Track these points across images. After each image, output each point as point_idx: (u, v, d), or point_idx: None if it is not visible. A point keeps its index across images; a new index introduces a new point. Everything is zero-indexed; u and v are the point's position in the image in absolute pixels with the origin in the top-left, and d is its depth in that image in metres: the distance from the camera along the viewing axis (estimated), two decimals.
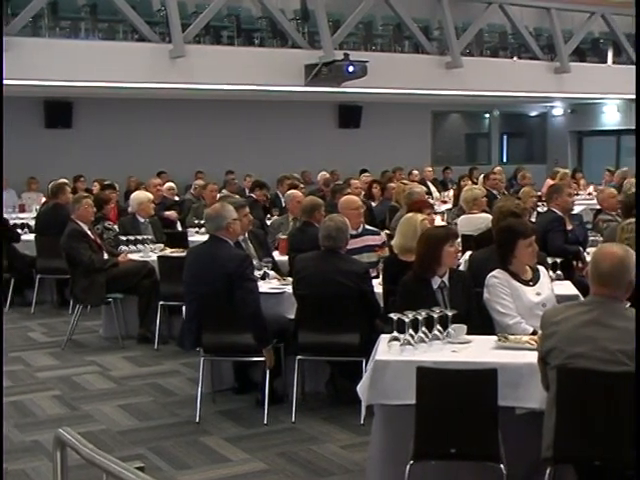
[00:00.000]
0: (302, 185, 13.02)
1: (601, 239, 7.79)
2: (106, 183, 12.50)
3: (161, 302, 8.14)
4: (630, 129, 21.42)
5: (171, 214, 11.35)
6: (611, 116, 22.06)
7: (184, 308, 6.36)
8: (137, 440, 5.75)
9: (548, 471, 3.98)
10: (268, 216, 11.47)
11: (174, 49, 13.83)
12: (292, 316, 6.30)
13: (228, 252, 6.11)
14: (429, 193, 13.55)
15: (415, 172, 15.98)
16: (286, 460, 5.39)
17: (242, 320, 5.92)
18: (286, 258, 7.82)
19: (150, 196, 9.83)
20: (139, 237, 9.05)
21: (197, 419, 6.04)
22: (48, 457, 5.16)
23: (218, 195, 11.16)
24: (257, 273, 6.73)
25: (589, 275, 4.10)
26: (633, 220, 5.77)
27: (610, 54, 19.23)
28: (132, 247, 8.92)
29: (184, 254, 7.21)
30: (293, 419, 6.03)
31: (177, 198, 12.98)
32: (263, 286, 6.65)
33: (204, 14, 14.49)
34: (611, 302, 3.96)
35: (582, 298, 5.52)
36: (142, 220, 9.41)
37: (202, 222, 8.95)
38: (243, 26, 15.98)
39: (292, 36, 15.34)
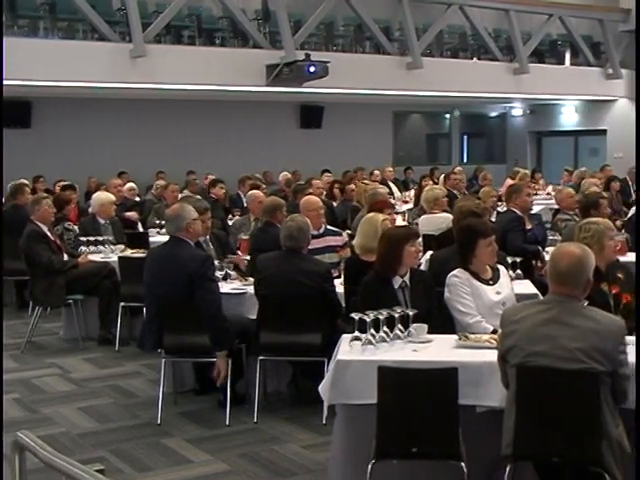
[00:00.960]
0: (264, 185, 13.00)
1: (560, 238, 7.87)
2: (66, 184, 12.37)
3: (122, 303, 8.09)
4: (587, 130, 21.72)
5: (132, 215, 11.27)
6: (569, 117, 22.32)
7: (145, 309, 6.32)
8: (98, 442, 5.71)
9: (508, 468, 4.02)
10: (230, 216, 11.44)
11: (134, 49, 13.74)
12: (254, 316, 6.29)
13: (189, 253, 6.09)
14: (390, 193, 13.58)
15: (376, 172, 16.02)
16: (248, 461, 5.38)
17: (202, 321, 5.90)
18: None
19: (112, 197, 9.76)
20: (99, 238, 8.98)
21: (158, 421, 6.01)
22: (7, 461, 5.09)
23: (179, 195, 11.11)
24: (218, 274, 6.71)
25: (548, 274, 4.15)
26: (591, 219, 5.82)
27: (568, 56, 19.47)
28: (92, 248, 8.85)
29: (145, 255, 7.16)
30: (255, 419, 6.02)
31: (138, 199, 12.90)
32: (224, 287, 6.64)
33: (165, 14, 14.41)
34: (569, 301, 4.00)
35: (541, 297, 5.57)
36: (102, 221, 9.34)
37: (163, 223, 8.91)
38: (204, 26, 15.93)
39: (253, 36, 15.32)
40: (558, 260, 4.07)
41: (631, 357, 4.08)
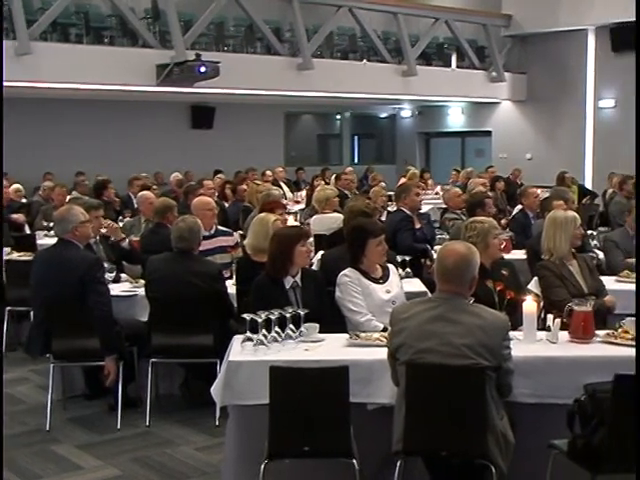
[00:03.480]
0: (154, 186, 12.85)
1: (448, 237, 8.04)
2: None
3: (8, 307, 7.87)
4: (473, 131, 22.28)
5: (18, 217, 10.97)
6: (456, 118, 22.82)
7: (32, 313, 6.17)
8: None
9: (398, 464, 4.10)
10: (120, 218, 11.26)
11: (19, 46, 13.36)
12: (145, 319, 6.23)
13: (77, 255, 5.98)
14: (282, 194, 13.61)
15: (268, 173, 16.04)
16: (140, 465, 5.33)
17: (92, 324, 5.81)
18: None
19: None
20: None
21: (47, 427, 5.88)
22: None
23: (68, 197, 10.87)
24: (108, 276, 6.61)
25: (435, 272, 4.25)
26: (477, 218, 5.97)
27: (454, 59, 19.91)
28: None
29: (32, 258, 7.00)
30: (147, 423, 5.96)
31: (25, 200, 12.56)
32: (115, 289, 6.55)
33: (50, 10, 14.07)
34: (456, 298, 4.11)
35: (430, 295, 5.69)
36: None
37: (51, 225, 8.71)
38: (92, 24, 15.59)
39: (143, 35, 15.11)
40: (444, 258, 4.17)
41: (515, 352, 4.22)
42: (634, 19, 17.96)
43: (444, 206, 10.40)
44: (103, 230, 7.20)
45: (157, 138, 18.36)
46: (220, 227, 7.78)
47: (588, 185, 18.04)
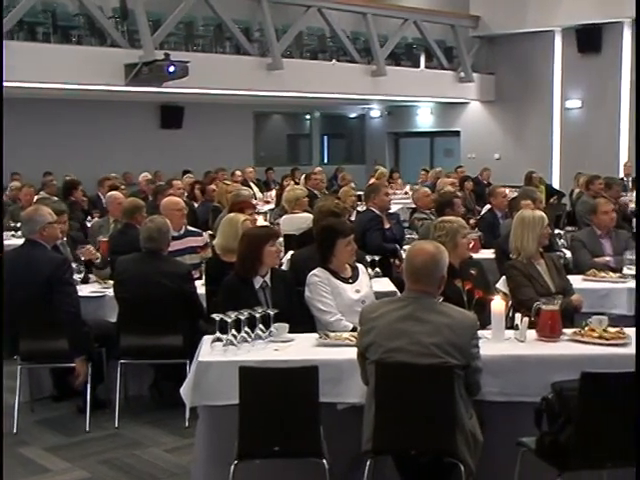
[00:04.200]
0: (123, 186, 12.78)
1: (417, 237, 8.08)
2: None
3: None
4: (442, 131, 22.39)
5: None
6: (424, 118, 22.91)
7: None
8: None
9: (368, 463, 4.11)
10: (88, 218, 11.18)
11: None
12: (114, 320, 6.20)
13: (45, 256, 5.94)
14: (252, 194, 13.59)
15: (238, 173, 16.01)
16: (109, 467, 5.30)
17: (60, 325, 5.77)
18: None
19: None
20: None
21: (15, 430, 5.82)
22: None
23: (36, 197, 10.78)
24: (76, 276, 6.57)
25: (404, 272, 4.26)
26: (445, 218, 6.00)
27: (423, 59, 20.00)
28: None
29: None
30: (116, 424, 5.93)
31: None
32: (83, 290, 6.51)
33: (17, 9, 13.93)
34: (424, 297, 4.13)
35: (399, 294, 5.72)
36: None
37: (18, 225, 8.63)
38: (59, 23, 15.47)
39: (111, 35, 15.02)
40: (413, 258, 4.19)
41: (483, 350, 4.25)
42: (599, 21, 18.25)
43: (413, 206, 10.44)
44: (81, 256, 7.08)
45: (126, 138, 18.25)
46: (189, 227, 7.75)
47: (555, 185, 18.19)
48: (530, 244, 6.00)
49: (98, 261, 7.17)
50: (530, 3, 19.10)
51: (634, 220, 11.43)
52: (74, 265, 6.64)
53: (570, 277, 6.34)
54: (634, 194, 13.70)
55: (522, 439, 4.20)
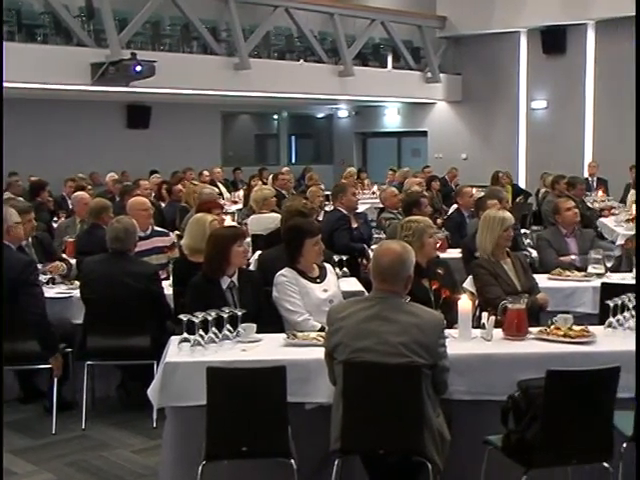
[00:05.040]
0: (90, 187, 12.69)
1: (384, 236, 8.10)
2: None
3: None
4: (409, 131, 22.48)
5: None
6: (392, 118, 22.97)
7: None
8: None
9: (336, 463, 4.12)
10: (55, 219, 11.09)
11: None
12: (80, 321, 6.16)
13: (10, 257, 5.88)
14: (220, 194, 13.57)
15: (206, 173, 15.98)
16: (76, 469, 5.27)
17: (26, 327, 5.71)
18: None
19: None
20: None
21: None
22: None
23: None
24: (42, 278, 6.52)
25: (371, 271, 4.28)
26: (412, 218, 6.03)
27: (390, 59, 20.05)
28: None
29: None
30: (83, 426, 5.90)
31: None
32: (49, 291, 6.46)
33: None
34: (392, 297, 4.15)
35: (367, 294, 5.73)
36: None
37: None
38: (24, 21, 15.31)
39: (77, 34, 14.90)
40: (380, 258, 4.21)
41: (450, 349, 4.28)
42: (564, 22, 18.44)
43: (381, 206, 10.48)
44: (48, 273, 6.99)
45: (92, 138, 18.12)
46: (156, 228, 7.73)
47: (522, 185, 18.34)
48: (487, 244, 6.05)
49: (64, 273, 7.10)
50: (496, 4, 19.23)
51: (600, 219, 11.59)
52: (40, 266, 6.60)
53: (536, 276, 6.40)
54: (599, 193, 13.87)
55: (489, 437, 4.24)
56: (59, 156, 17.00)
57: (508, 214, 6.28)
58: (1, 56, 10.70)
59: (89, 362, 5.98)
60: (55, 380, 5.82)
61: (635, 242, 7.19)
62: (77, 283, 6.57)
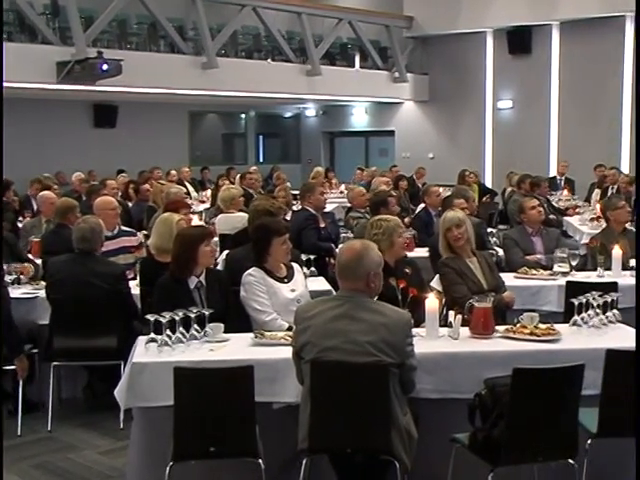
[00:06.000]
0: (55, 186, 12.59)
1: (352, 236, 8.12)
2: None
3: None
4: (377, 130, 22.54)
5: None
6: (359, 118, 23.02)
7: None
8: None
9: (304, 462, 4.12)
10: (20, 218, 10.99)
11: None
12: (46, 321, 6.11)
13: None
14: (187, 193, 13.53)
15: (173, 172, 15.92)
16: (42, 472, 5.23)
17: None
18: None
19: None
20: None
21: None
22: None
23: None
24: (8, 278, 6.46)
25: (336, 270, 4.29)
26: (383, 216, 6.04)
27: (357, 59, 20.09)
28: None
29: None
30: (49, 428, 5.86)
31: None
32: (14, 291, 6.39)
33: None
34: (359, 296, 4.15)
35: (334, 293, 5.74)
36: None
37: None
38: None
39: (42, 31, 14.77)
40: (340, 256, 4.25)
41: (418, 348, 4.30)
42: (529, 23, 18.60)
43: (349, 205, 10.49)
44: (13, 273, 6.90)
45: (58, 137, 17.99)
46: (123, 227, 7.70)
47: (488, 184, 18.46)
48: (440, 244, 6.13)
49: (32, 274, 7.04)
50: (462, 5, 19.34)
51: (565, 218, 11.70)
52: (5, 267, 6.53)
53: (502, 275, 6.43)
54: (564, 192, 14.02)
55: (456, 435, 4.26)
56: (25, 155, 16.82)
57: (452, 214, 6.19)
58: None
59: (55, 363, 5.94)
60: (20, 382, 5.76)
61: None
62: (43, 283, 6.51)
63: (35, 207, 11.14)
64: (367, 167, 18.32)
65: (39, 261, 7.44)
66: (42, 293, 6.34)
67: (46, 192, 9.66)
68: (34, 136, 17.67)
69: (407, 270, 5.73)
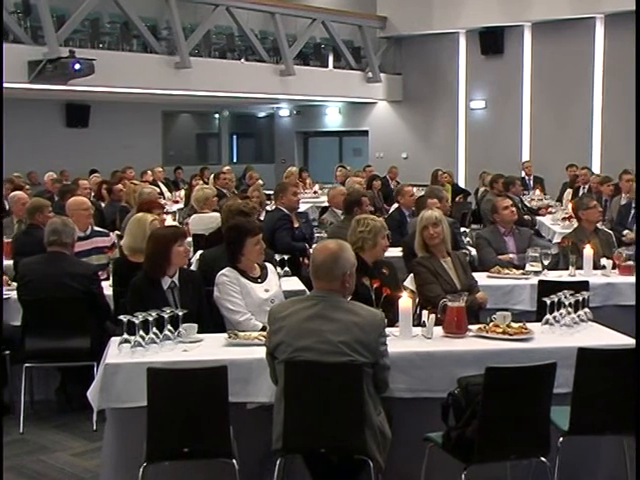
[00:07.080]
0: (28, 186, 12.50)
1: (326, 236, 8.12)
2: None
3: None
4: (351, 130, 22.57)
5: None
6: (333, 118, 23.04)
7: None
8: None
9: (278, 462, 4.12)
10: None
11: None
12: (18, 322, 6.07)
13: None
14: (161, 193, 13.48)
15: (149, 173, 15.85)
16: (15, 474, 5.18)
17: None
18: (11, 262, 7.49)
19: None
20: None
21: None
22: None
23: None
24: None
25: (310, 270, 4.29)
26: (370, 216, 6.07)
27: (331, 59, 20.11)
28: None
29: None
30: (21, 430, 5.81)
31: None
32: None
33: None
34: (332, 296, 4.15)
35: (308, 293, 5.74)
36: None
37: None
38: None
39: (13, 30, 14.65)
40: (315, 256, 4.25)
41: (391, 348, 4.31)
42: (502, 24, 18.73)
43: (323, 205, 10.50)
44: None
45: (30, 137, 17.85)
46: (96, 228, 7.65)
47: (461, 184, 18.54)
48: (416, 243, 6.15)
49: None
50: (435, 5, 19.41)
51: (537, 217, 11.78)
52: None
53: (475, 274, 6.47)
54: (537, 192, 14.11)
55: (429, 434, 4.28)
56: None
57: (429, 213, 6.20)
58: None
59: (27, 364, 5.89)
60: None
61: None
62: (14, 284, 6.46)
63: (7, 207, 11.05)
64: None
65: (10, 262, 7.39)
66: (13, 294, 6.28)
67: (18, 192, 9.60)
68: (5, 136, 17.46)
69: (384, 271, 5.75)
